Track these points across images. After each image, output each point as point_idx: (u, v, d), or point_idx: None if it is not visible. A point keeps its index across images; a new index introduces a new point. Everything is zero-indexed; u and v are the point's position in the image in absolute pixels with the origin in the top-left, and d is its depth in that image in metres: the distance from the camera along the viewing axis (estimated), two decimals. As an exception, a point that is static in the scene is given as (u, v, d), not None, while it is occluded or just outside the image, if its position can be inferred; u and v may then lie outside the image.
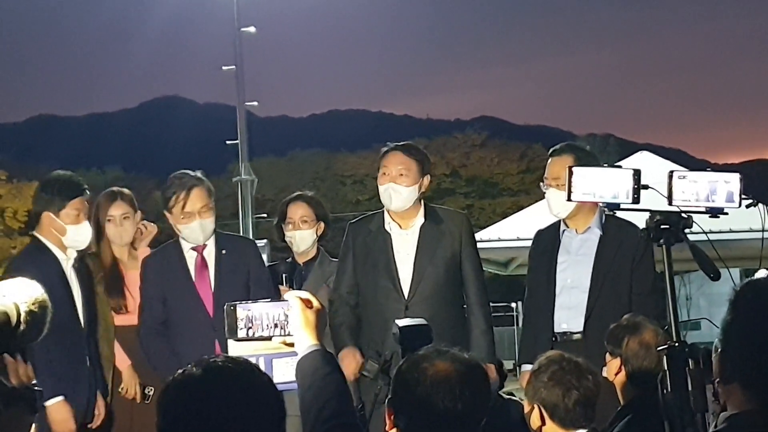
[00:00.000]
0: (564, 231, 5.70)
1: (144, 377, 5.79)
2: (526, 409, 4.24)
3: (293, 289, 5.71)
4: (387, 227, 5.66)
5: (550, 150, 5.79)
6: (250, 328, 3.06)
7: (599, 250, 5.58)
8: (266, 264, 6.14)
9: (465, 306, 5.71)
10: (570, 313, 5.55)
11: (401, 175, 5.57)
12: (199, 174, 5.71)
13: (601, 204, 3.65)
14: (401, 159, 5.60)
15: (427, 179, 5.65)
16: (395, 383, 2.98)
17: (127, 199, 6.05)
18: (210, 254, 5.75)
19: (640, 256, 5.47)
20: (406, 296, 5.54)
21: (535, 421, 4.17)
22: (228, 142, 28.48)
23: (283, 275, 6.05)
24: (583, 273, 5.57)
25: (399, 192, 5.56)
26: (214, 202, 5.75)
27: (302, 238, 6.25)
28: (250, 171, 26.09)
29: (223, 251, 5.75)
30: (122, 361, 5.84)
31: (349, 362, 5.42)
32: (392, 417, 2.97)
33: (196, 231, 5.67)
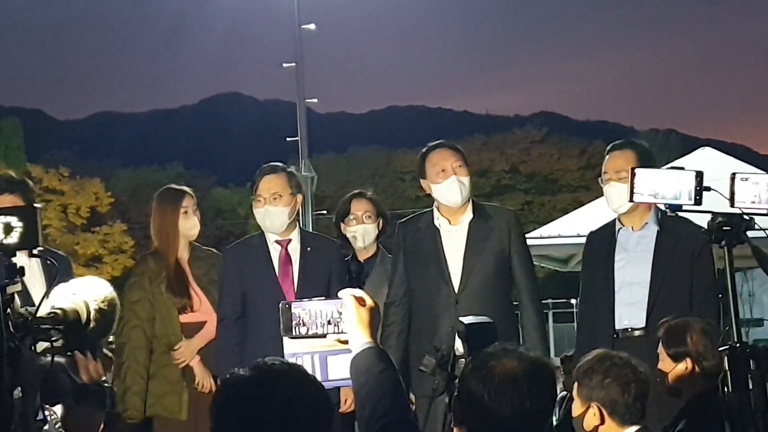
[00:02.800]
0: (620, 229, 5.71)
1: None
2: (578, 411, 4.21)
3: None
4: (436, 223, 5.72)
5: (610, 145, 5.81)
6: (305, 325, 3.12)
7: (657, 246, 5.59)
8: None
9: (515, 302, 5.79)
10: (631, 310, 5.55)
11: (460, 166, 5.67)
12: (284, 166, 5.83)
13: (663, 205, 3.67)
14: (455, 154, 5.73)
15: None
16: (462, 382, 2.98)
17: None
18: (295, 250, 5.80)
19: (699, 251, 5.47)
20: (456, 290, 5.60)
21: (591, 421, 4.14)
22: (288, 139, 28.63)
23: (352, 275, 6.09)
24: (643, 269, 5.57)
25: (464, 184, 5.65)
26: (293, 196, 5.76)
27: (366, 232, 6.31)
28: (310, 168, 26.21)
29: (308, 248, 5.80)
30: None
31: None
32: (458, 416, 2.99)
33: (261, 217, 5.76)
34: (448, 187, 5.64)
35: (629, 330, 5.53)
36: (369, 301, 3.12)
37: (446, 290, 5.61)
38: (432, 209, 5.80)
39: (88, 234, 42.21)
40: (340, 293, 3.16)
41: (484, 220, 5.71)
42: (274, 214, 5.74)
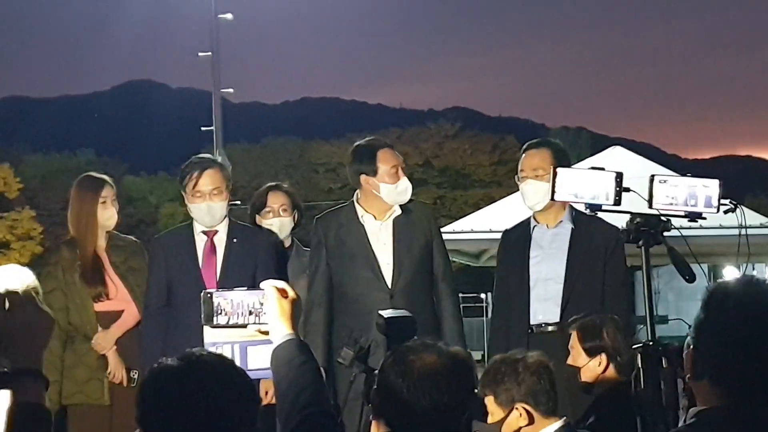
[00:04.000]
0: (535, 227, 5.77)
1: None
2: (497, 417, 4.08)
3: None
4: (361, 219, 5.73)
5: (527, 144, 5.87)
6: (226, 315, 3.12)
7: (572, 243, 5.66)
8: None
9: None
10: (546, 305, 5.63)
11: (403, 168, 5.72)
12: (217, 158, 5.74)
13: (583, 205, 3.73)
14: (399, 155, 5.77)
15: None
16: (381, 376, 2.98)
17: None
18: (220, 241, 5.75)
19: (612, 249, 5.58)
20: (390, 285, 5.62)
21: (516, 423, 4.05)
22: (203, 128, 28.42)
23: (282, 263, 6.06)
24: (558, 265, 5.65)
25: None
26: (228, 190, 5.75)
27: (283, 225, 6.28)
28: (224, 158, 26.04)
29: (234, 240, 5.76)
30: None
31: None
32: (377, 408, 2.99)
33: (203, 212, 5.70)
34: (403, 189, 5.68)
35: (543, 325, 5.60)
36: (291, 293, 3.12)
37: (379, 285, 5.63)
38: (351, 203, 5.80)
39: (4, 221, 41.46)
40: (263, 284, 3.16)
41: (405, 214, 5.74)
42: (215, 209, 5.71)
